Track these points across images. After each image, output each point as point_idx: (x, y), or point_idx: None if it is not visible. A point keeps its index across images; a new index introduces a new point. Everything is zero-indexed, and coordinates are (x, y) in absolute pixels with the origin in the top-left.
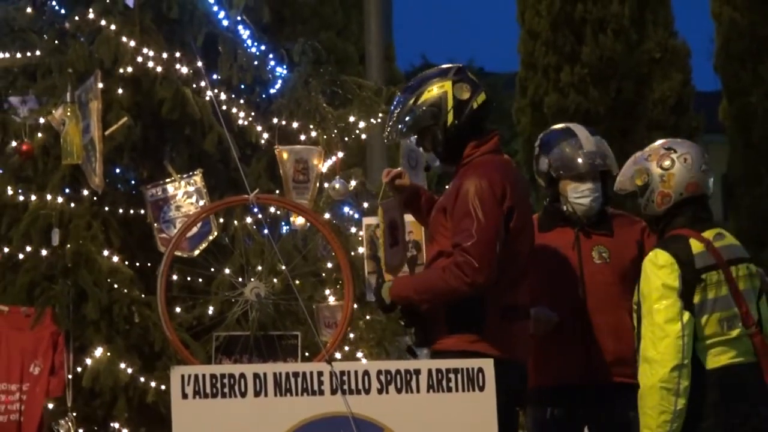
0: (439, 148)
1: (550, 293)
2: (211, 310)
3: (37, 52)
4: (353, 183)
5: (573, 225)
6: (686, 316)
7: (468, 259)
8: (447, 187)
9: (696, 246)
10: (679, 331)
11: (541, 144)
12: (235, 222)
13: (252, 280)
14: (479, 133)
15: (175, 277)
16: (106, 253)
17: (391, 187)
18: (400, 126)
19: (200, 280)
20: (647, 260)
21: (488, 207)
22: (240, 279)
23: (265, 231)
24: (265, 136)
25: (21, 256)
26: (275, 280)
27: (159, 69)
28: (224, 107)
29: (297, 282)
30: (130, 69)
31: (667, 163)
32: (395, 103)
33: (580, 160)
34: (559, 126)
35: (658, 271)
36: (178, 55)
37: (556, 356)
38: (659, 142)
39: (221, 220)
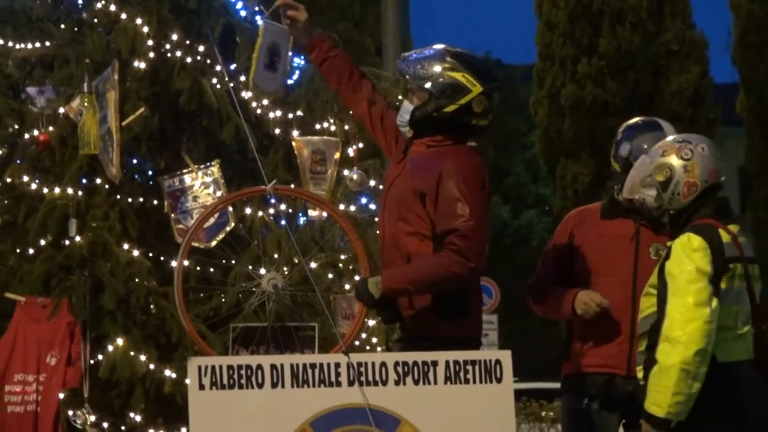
0: (417, 113)
1: (602, 280)
2: (228, 301)
3: (55, 43)
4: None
5: (635, 217)
6: (715, 302)
7: (469, 243)
8: (403, 162)
9: (724, 236)
10: (708, 315)
11: (626, 130)
12: (249, 210)
13: (269, 271)
14: (456, 135)
15: (192, 268)
16: (124, 244)
17: (284, 15)
18: (417, 67)
19: (215, 270)
20: (678, 243)
21: (476, 192)
22: (257, 270)
23: (282, 222)
24: (283, 126)
25: (38, 246)
26: (292, 271)
27: (177, 59)
28: (242, 97)
29: (314, 273)
30: (147, 59)
31: (687, 153)
32: (437, 50)
33: None
34: (648, 118)
35: (692, 254)
36: (195, 45)
37: (601, 344)
38: (669, 138)
39: (238, 210)
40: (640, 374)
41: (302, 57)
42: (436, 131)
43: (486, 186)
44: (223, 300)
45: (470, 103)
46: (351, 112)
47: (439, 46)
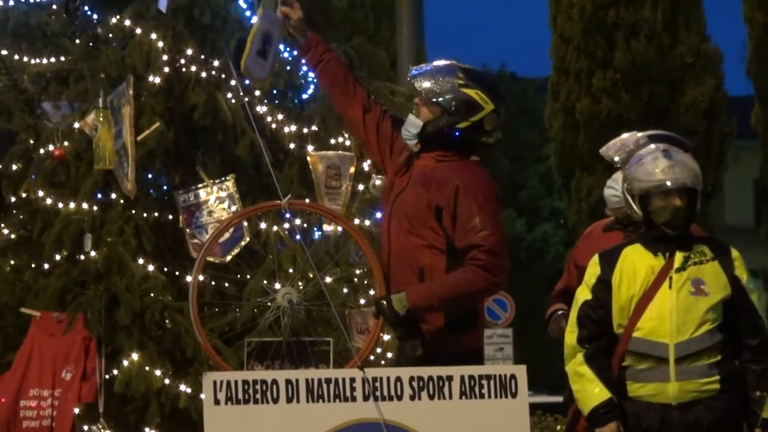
0: (430, 127)
1: None
2: (243, 316)
3: (70, 58)
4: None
5: (626, 230)
6: None
7: (495, 259)
8: (404, 171)
9: None
10: None
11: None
12: (264, 225)
13: (284, 285)
14: (463, 150)
15: (207, 283)
16: (139, 259)
17: (280, 7)
18: (431, 82)
19: (230, 285)
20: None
21: (494, 206)
22: (273, 285)
23: (297, 237)
24: (298, 141)
25: (53, 261)
26: (307, 286)
27: (191, 74)
28: (257, 112)
29: (329, 287)
30: (162, 74)
31: None
32: (449, 65)
33: (617, 147)
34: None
35: None
36: (210, 60)
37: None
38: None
39: (253, 225)
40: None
41: (297, 56)
42: (444, 146)
43: (499, 199)
44: (238, 314)
45: (482, 121)
46: (343, 116)
47: (449, 61)
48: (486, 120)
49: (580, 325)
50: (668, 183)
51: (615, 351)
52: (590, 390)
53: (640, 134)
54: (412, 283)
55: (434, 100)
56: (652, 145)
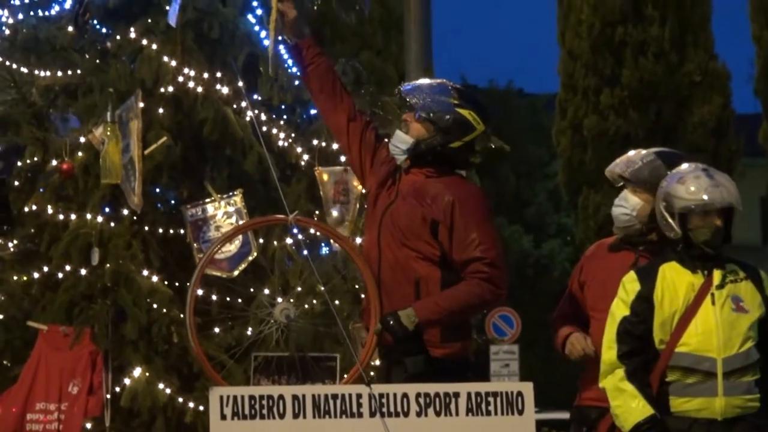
0: (423, 145)
1: (598, 315)
2: (249, 330)
3: (79, 71)
4: None
5: (636, 249)
6: None
7: (498, 272)
8: (392, 183)
9: None
10: None
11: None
12: (261, 237)
13: (282, 301)
14: (450, 167)
15: (207, 295)
16: (145, 272)
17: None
18: (427, 100)
19: (233, 299)
20: None
21: (490, 220)
22: (276, 299)
23: (305, 252)
24: (306, 156)
25: (60, 275)
26: (301, 300)
27: (200, 89)
28: (265, 128)
29: (333, 302)
30: (171, 89)
31: None
32: (441, 83)
33: (624, 166)
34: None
35: None
36: (219, 75)
37: (596, 380)
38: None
39: (261, 240)
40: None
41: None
42: (434, 163)
43: (492, 213)
44: (231, 327)
45: (473, 141)
46: (326, 121)
47: (441, 80)
48: (477, 140)
49: (620, 341)
50: (713, 202)
51: (654, 367)
52: (633, 406)
53: (644, 151)
54: (407, 294)
55: (429, 117)
56: (690, 165)
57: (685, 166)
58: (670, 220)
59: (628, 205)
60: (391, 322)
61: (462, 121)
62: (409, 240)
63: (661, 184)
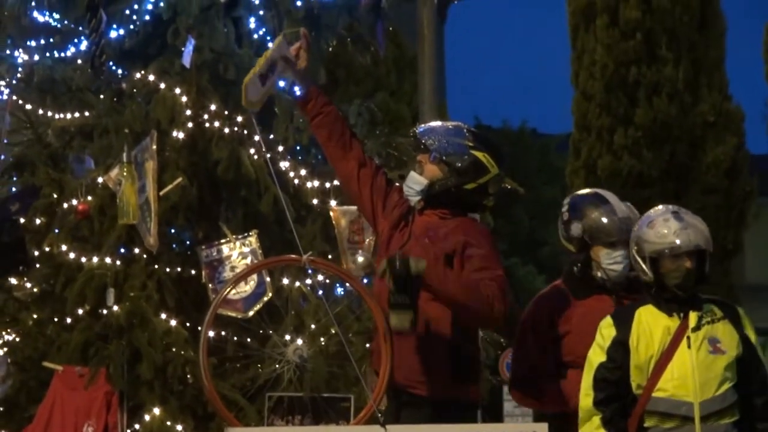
0: (438, 186)
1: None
2: (263, 370)
3: (94, 112)
4: None
5: (609, 292)
6: None
7: (504, 295)
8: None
9: None
10: None
11: (571, 209)
12: (289, 282)
13: (296, 341)
14: (463, 209)
15: (228, 337)
16: (161, 314)
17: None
18: (443, 141)
19: (251, 339)
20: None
21: (500, 261)
22: (290, 340)
23: (319, 292)
24: (321, 197)
25: (76, 315)
26: (312, 342)
27: (215, 129)
28: (280, 168)
29: (349, 342)
30: (186, 129)
31: None
32: (456, 125)
33: (615, 227)
34: (588, 191)
35: None
36: (233, 115)
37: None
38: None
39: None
40: None
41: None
42: (448, 204)
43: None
44: (239, 366)
45: (486, 184)
46: (336, 169)
47: (456, 123)
48: (491, 183)
49: (596, 387)
50: (680, 246)
51: (632, 412)
52: None
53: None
54: (418, 334)
55: (443, 159)
56: (660, 207)
57: (656, 208)
58: (642, 264)
59: (624, 260)
60: (398, 261)
61: (476, 163)
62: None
63: (634, 228)
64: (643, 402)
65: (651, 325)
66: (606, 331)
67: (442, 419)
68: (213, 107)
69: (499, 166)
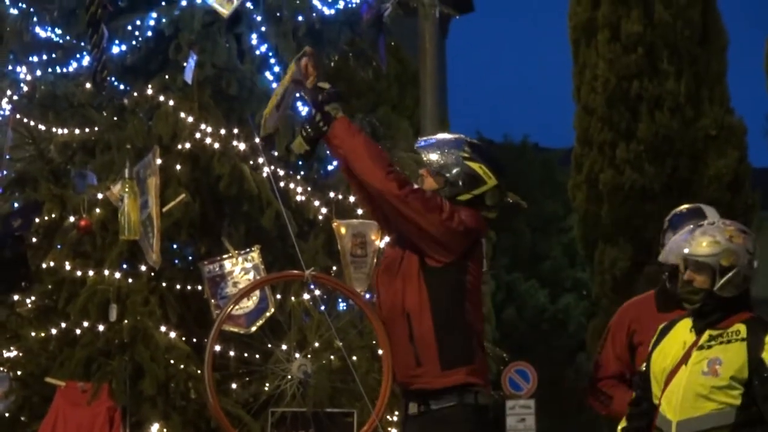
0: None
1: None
2: (266, 386)
3: (96, 128)
4: None
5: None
6: None
7: (418, 197)
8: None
9: None
10: None
11: (672, 218)
12: (293, 298)
13: (299, 356)
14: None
15: (231, 353)
16: (163, 328)
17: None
18: (437, 153)
19: (254, 354)
20: None
21: (458, 211)
22: (289, 355)
23: (322, 307)
24: (323, 211)
25: (78, 331)
26: (314, 357)
27: (217, 145)
28: (282, 183)
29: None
30: (188, 145)
31: (752, 247)
32: (457, 138)
33: None
34: (691, 206)
35: None
36: (236, 131)
37: None
38: (724, 222)
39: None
40: None
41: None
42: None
43: (476, 232)
44: (266, 386)
45: (484, 195)
46: (355, 188)
47: (457, 135)
48: (488, 195)
49: (635, 387)
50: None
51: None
52: None
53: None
54: (400, 331)
55: (439, 171)
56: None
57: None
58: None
59: None
60: (324, 97)
61: (471, 174)
62: (400, 274)
63: None
64: (655, 414)
65: (676, 338)
66: (653, 340)
67: (442, 409)
68: (215, 122)
69: (498, 178)
